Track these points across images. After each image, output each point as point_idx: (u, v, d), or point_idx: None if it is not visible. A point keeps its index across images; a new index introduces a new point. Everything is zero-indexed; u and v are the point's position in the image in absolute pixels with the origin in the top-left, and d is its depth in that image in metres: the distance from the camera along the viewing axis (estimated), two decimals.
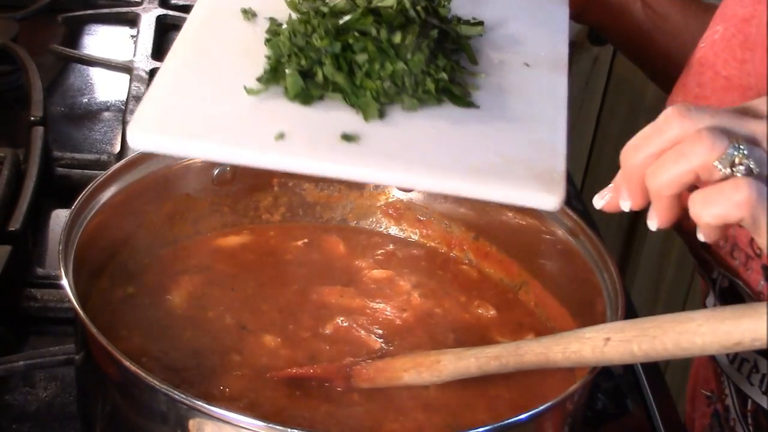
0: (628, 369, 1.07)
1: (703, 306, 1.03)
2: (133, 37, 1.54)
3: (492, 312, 0.96)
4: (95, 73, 1.49)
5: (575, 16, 1.05)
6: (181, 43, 0.92)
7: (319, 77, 0.87)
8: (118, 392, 0.79)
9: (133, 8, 1.59)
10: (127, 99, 1.36)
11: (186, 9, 1.61)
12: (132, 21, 1.57)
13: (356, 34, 0.89)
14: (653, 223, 0.71)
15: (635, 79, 1.26)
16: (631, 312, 1.13)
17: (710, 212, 0.66)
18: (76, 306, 0.78)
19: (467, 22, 1.00)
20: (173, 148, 0.81)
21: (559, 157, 0.84)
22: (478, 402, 0.84)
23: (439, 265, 1.01)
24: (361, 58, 0.88)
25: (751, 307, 0.65)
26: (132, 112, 1.32)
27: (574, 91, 2.10)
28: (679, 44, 1.13)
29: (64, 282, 0.80)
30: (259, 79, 0.88)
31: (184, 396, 0.72)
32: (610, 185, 0.73)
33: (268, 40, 0.92)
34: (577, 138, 2.10)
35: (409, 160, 0.81)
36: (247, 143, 0.81)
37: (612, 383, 1.04)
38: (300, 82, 0.87)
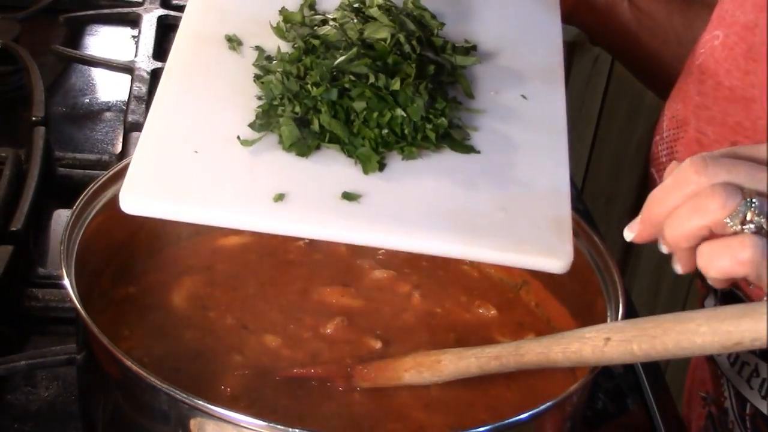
0: (629, 369, 1.07)
1: (702, 306, 1.03)
2: (134, 37, 1.54)
3: (493, 312, 0.96)
4: (97, 74, 1.49)
5: (563, 18, 1.04)
6: (166, 82, 0.89)
7: (315, 126, 0.84)
8: (120, 392, 0.79)
9: (134, 9, 1.59)
10: (128, 99, 1.36)
11: None
12: (133, 21, 1.58)
13: (352, 77, 0.86)
14: (678, 269, 0.74)
15: (635, 80, 1.26)
16: (631, 312, 1.13)
17: (716, 266, 0.69)
18: (78, 306, 0.78)
19: (461, 50, 0.97)
20: (168, 214, 0.79)
21: (563, 205, 0.83)
22: (478, 401, 0.84)
23: (439, 265, 1.01)
24: (359, 105, 0.85)
25: (751, 307, 0.65)
26: (134, 112, 1.32)
27: (575, 91, 2.11)
28: (663, 42, 1.12)
29: (66, 282, 0.80)
30: (251, 125, 0.85)
31: (185, 396, 0.72)
32: (638, 218, 0.75)
33: (257, 77, 0.90)
34: (577, 138, 2.10)
35: (411, 223, 0.80)
36: (245, 209, 0.78)
37: (612, 383, 1.04)
38: (296, 132, 0.83)
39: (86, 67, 1.50)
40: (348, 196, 0.81)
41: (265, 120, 0.85)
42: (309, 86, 0.86)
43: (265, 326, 0.90)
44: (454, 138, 0.87)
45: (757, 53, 0.93)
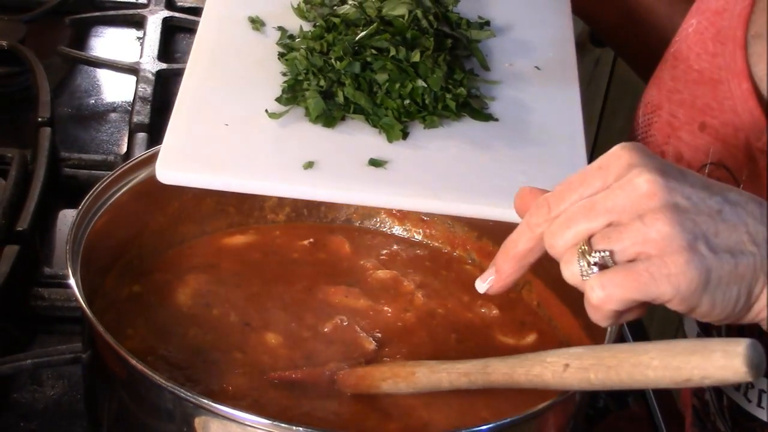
0: None
1: None
2: (139, 38, 1.55)
3: (495, 311, 0.96)
4: (102, 75, 1.50)
5: None
6: (194, 62, 0.92)
7: (340, 98, 0.88)
8: (125, 390, 0.80)
9: (139, 10, 1.60)
10: (133, 100, 1.36)
11: (192, 11, 1.62)
12: (138, 23, 1.58)
13: (373, 51, 0.89)
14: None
15: (637, 80, 1.27)
16: None
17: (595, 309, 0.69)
18: (83, 305, 0.78)
19: (476, 25, 1.00)
20: (202, 183, 0.82)
21: (580, 163, 0.85)
22: (480, 400, 0.84)
23: (442, 265, 1.02)
24: (381, 77, 0.88)
25: (702, 343, 0.64)
26: (139, 113, 1.32)
27: None
28: (661, 38, 1.13)
29: (72, 281, 0.80)
30: (278, 100, 0.88)
31: (190, 394, 0.73)
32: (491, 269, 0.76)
33: (282, 55, 0.93)
34: None
35: (436, 186, 0.83)
36: (276, 176, 0.82)
37: None
38: (321, 104, 0.87)
39: (92, 68, 1.50)
40: (374, 163, 0.84)
41: (291, 94, 0.89)
42: (332, 60, 0.89)
43: (267, 324, 0.90)
44: (473, 107, 0.91)
45: (724, 36, 0.95)
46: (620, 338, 0.84)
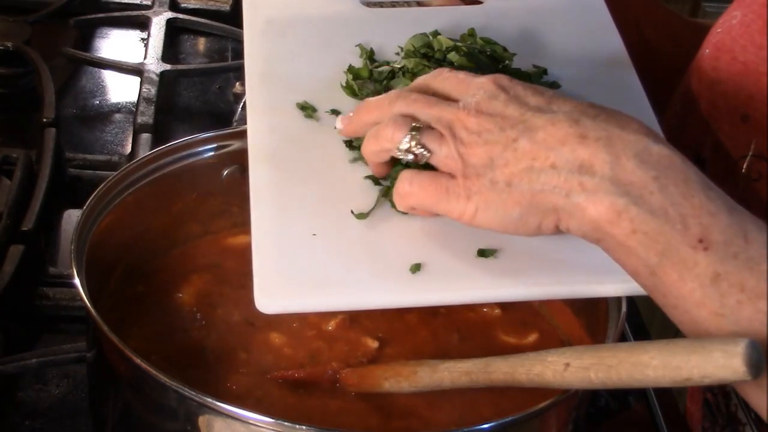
0: None
1: None
2: (143, 40, 1.55)
3: (497, 311, 0.96)
4: (106, 76, 1.50)
5: None
6: (256, 165, 0.82)
7: None
8: (129, 389, 0.80)
9: (143, 12, 1.61)
10: (137, 101, 1.37)
11: (196, 12, 1.63)
12: (143, 24, 1.59)
13: None
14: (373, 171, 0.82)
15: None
16: (633, 310, 1.14)
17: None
18: (88, 304, 0.79)
19: (536, 75, 0.91)
20: (307, 308, 0.76)
21: None
22: (482, 398, 0.85)
23: None
24: None
25: (702, 343, 0.64)
26: (143, 114, 1.33)
27: None
28: (665, 71, 1.13)
29: (76, 281, 0.81)
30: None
31: (193, 393, 0.73)
32: (350, 115, 0.82)
33: (349, 143, 0.84)
34: None
35: (553, 268, 0.77)
36: (384, 288, 0.75)
37: None
38: None
39: (96, 69, 1.51)
40: (484, 253, 0.77)
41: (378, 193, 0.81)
42: None
43: (270, 323, 0.90)
44: None
45: None
46: (621, 337, 0.84)
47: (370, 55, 0.92)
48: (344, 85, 0.89)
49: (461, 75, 0.77)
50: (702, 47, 1.03)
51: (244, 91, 1.38)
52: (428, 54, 0.89)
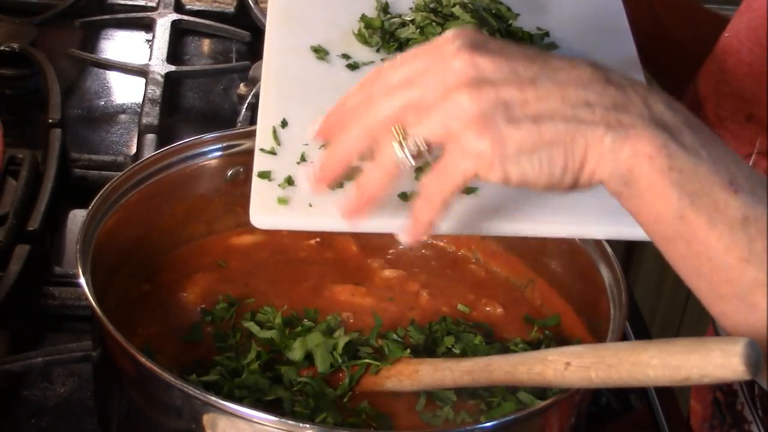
0: None
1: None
2: (148, 41, 1.56)
3: (499, 310, 0.97)
4: (112, 77, 1.51)
5: None
6: (267, 94, 0.90)
7: None
8: (134, 388, 0.81)
9: (148, 13, 1.61)
10: (142, 102, 1.37)
11: (200, 14, 1.63)
12: (148, 26, 1.59)
13: None
14: None
15: None
16: (634, 310, 1.14)
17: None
18: (93, 304, 0.79)
19: (537, 37, 0.98)
20: (298, 225, 0.81)
21: None
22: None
23: (447, 265, 1.02)
24: None
25: (701, 342, 0.64)
26: (148, 115, 1.33)
27: None
28: (677, 54, 1.14)
29: (82, 280, 0.81)
30: None
31: (198, 391, 0.74)
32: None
33: None
34: None
35: (531, 210, 0.80)
36: (375, 211, 0.76)
37: None
38: None
39: (101, 70, 1.51)
40: (468, 191, 0.81)
41: None
42: None
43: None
44: None
45: None
46: (623, 337, 0.85)
47: (384, 7, 1.01)
48: (356, 33, 0.97)
49: (420, 54, 0.70)
50: (712, 52, 1.04)
51: (248, 92, 1.40)
52: (437, 9, 0.96)
